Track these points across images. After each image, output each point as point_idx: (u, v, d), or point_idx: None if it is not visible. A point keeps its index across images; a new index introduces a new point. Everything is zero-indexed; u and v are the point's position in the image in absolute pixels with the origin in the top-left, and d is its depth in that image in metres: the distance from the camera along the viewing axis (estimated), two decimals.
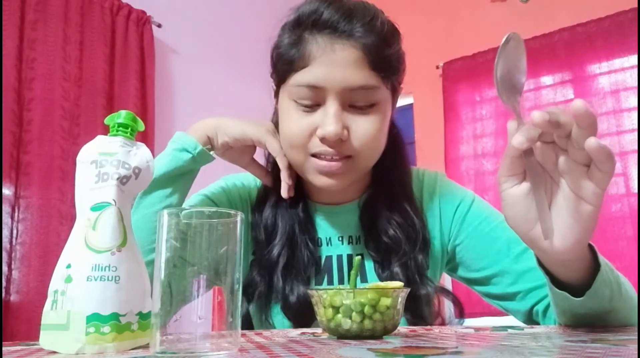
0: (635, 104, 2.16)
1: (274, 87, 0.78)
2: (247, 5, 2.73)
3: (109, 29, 1.98)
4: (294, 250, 0.77)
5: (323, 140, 0.69)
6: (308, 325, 0.72)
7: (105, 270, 0.44)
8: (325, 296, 0.52)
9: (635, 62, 2.17)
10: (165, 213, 0.42)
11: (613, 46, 2.25)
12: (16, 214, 1.64)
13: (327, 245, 0.80)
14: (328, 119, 0.68)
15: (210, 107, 2.52)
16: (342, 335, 0.51)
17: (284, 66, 0.72)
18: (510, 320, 0.80)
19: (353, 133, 0.70)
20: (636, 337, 0.46)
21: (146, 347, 0.46)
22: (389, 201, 0.79)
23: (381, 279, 0.75)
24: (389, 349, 0.41)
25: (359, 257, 0.58)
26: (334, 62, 0.67)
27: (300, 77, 0.69)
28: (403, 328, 0.67)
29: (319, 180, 0.73)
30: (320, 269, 0.79)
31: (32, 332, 1.44)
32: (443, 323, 0.80)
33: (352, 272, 0.56)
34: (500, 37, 0.48)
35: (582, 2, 2.36)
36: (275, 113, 0.80)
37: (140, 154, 0.50)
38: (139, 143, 0.51)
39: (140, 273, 0.47)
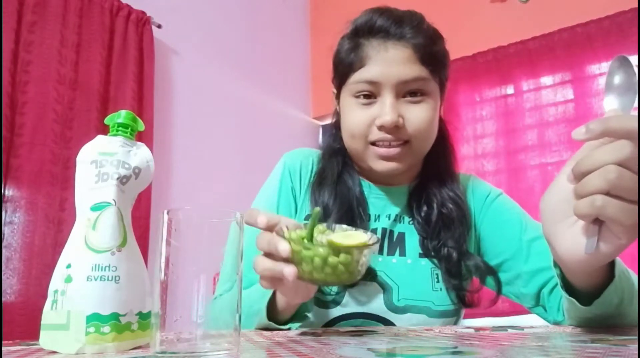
0: (635, 104, 2.16)
1: (335, 91, 0.87)
2: (247, 6, 2.73)
3: (107, 31, 1.96)
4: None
5: (381, 128, 0.76)
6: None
7: (105, 270, 0.44)
8: (290, 242, 0.50)
9: (635, 62, 2.17)
10: (165, 213, 0.42)
11: (613, 46, 2.24)
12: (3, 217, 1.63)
13: (375, 221, 0.85)
14: (385, 108, 0.76)
15: (210, 108, 2.53)
16: (301, 278, 0.51)
17: (344, 68, 0.80)
18: (510, 321, 0.80)
19: (407, 121, 0.77)
20: (636, 337, 0.46)
21: (146, 347, 0.46)
22: (439, 185, 0.86)
23: (427, 251, 0.81)
24: (389, 349, 0.41)
25: (318, 208, 0.54)
26: (387, 60, 0.76)
27: (359, 75, 0.78)
28: (403, 328, 0.67)
29: (379, 165, 0.79)
30: None
31: (14, 334, 1.44)
32: (479, 300, 0.82)
33: (310, 223, 0.53)
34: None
35: (582, 2, 2.35)
36: (335, 114, 0.90)
37: (140, 154, 0.50)
38: (139, 142, 0.51)
39: (140, 273, 0.47)
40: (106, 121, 0.50)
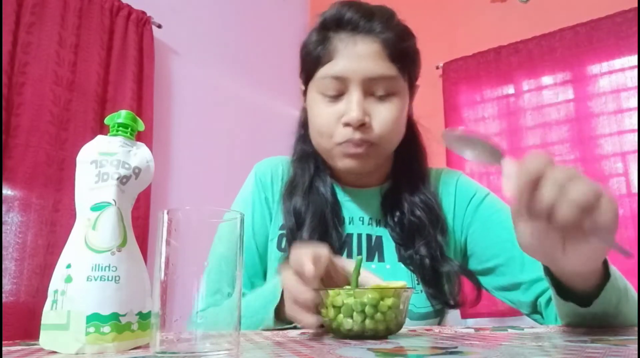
0: (636, 104, 2.16)
1: (302, 87, 0.84)
2: (247, 6, 2.73)
3: (107, 31, 1.96)
4: (324, 231, 0.80)
5: (347, 126, 0.74)
6: None
7: (105, 270, 0.44)
8: (327, 296, 0.52)
9: (636, 62, 2.17)
10: (165, 213, 0.42)
11: (613, 46, 2.24)
12: None
13: (350, 223, 0.84)
14: (351, 105, 0.74)
15: (210, 108, 2.53)
16: (345, 335, 0.51)
17: (311, 62, 0.78)
18: (510, 321, 0.80)
19: (374, 120, 0.75)
20: (636, 337, 0.46)
21: (146, 347, 0.46)
22: (410, 188, 0.84)
23: (403, 258, 0.80)
24: (389, 349, 0.41)
25: (360, 257, 0.58)
26: (355, 54, 0.74)
27: (326, 70, 0.76)
28: (403, 328, 0.67)
29: (345, 163, 0.78)
30: (342, 246, 0.82)
31: (4, 334, 1.43)
32: (463, 302, 0.82)
33: (354, 272, 0.56)
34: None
35: (582, 2, 2.35)
36: (304, 111, 0.86)
37: (140, 154, 0.50)
38: (139, 142, 0.51)
39: (140, 273, 0.47)
40: (106, 121, 0.50)
